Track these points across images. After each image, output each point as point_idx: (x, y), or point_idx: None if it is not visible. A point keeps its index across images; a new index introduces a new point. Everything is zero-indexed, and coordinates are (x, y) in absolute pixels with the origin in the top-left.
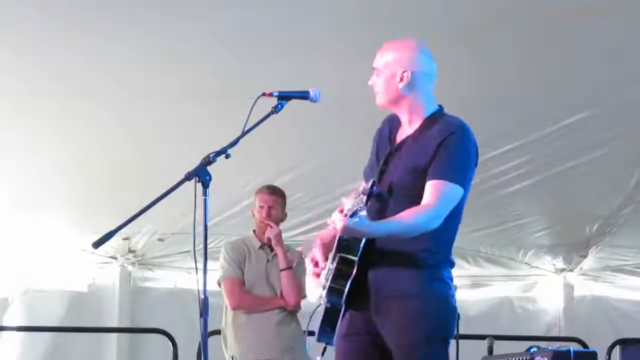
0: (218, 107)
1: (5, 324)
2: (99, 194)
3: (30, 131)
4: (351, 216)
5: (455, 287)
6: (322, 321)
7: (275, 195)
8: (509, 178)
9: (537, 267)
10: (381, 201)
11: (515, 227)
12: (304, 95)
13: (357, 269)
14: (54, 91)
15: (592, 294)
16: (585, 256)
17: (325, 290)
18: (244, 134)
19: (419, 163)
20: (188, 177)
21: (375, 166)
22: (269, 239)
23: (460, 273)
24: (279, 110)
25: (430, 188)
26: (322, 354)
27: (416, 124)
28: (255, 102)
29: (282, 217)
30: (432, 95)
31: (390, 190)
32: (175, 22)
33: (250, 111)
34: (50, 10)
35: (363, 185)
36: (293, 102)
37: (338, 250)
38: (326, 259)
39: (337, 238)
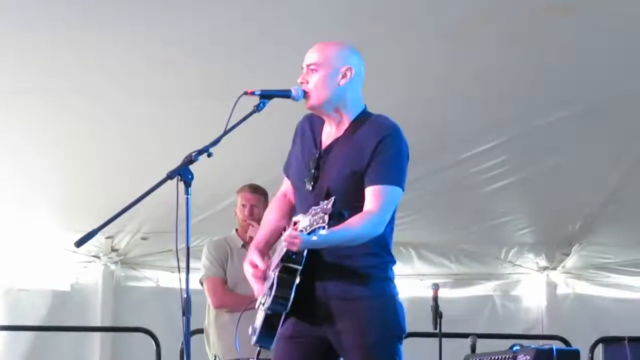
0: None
1: None
2: (84, 192)
3: (14, 128)
4: (309, 234)
5: (438, 286)
6: (262, 326)
7: (257, 193)
8: (491, 175)
9: (519, 266)
10: (343, 218)
11: (498, 225)
12: (285, 94)
13: (302, 277)
14: (46, 89)
15: (575, 292)
16: (568, 254)
17: (270, 299)
18: (226, 132)
19: (354, 167)
20: (170, 176)
21: (303, 170)
22: (252, 238)
23: (443, 271)
24: (261, 109)
25: (372, 194)
26: (257, 356)
27: (344, 125)
28: (237, 101)
29: None
30: (361, 96)
31: (327, 196)
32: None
33: (232, 110)
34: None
35: (322, 203)
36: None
37: (282, 259)
38: (263, 261)
39: (285, 251)
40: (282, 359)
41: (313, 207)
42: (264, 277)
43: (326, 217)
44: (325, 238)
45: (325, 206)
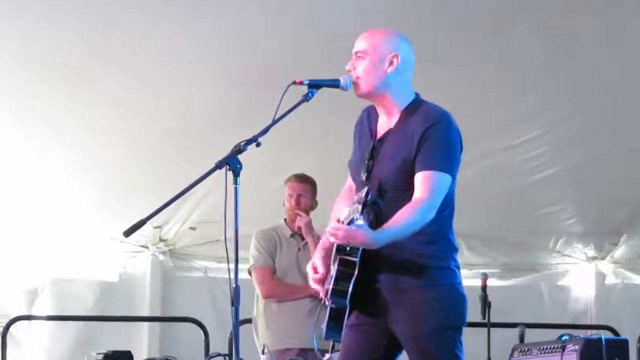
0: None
1: (34, 313)
2: (133, 181)
3: (60, 116)
4: (348, 224)
5: (486, 275)
6: (329, 319)
7: (304, 183)
8: (539, 164)
9: (568, 255)
10: (377, 207)
11: (546, 214)
12: (334, 84)
13: (359, 269)
14: (95, 74)
15: (624, 282)
16: (616, 244)
17: (329, 293)
18: (274, 122)
19: (405, 157)
20: (219, 166)
21: (360, 161)
22: (300, 228)
23: (492, 261)
24: (310, 99)
25: (420, 180)
26: (332, 350)
27: (396, 115)
28: (286, 90)
29: (313, 205)
30: (411, 84)
31: (380, 186)
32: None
33: (281, 99)
34: None
35: (358, 194)
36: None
37: (338, 252)
38: (326, 264)
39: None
40: (348, 345)
41: (353, 198)
42: (324, 280)
43: (360, 207)
44: (375, 239)
45: (359, 196)
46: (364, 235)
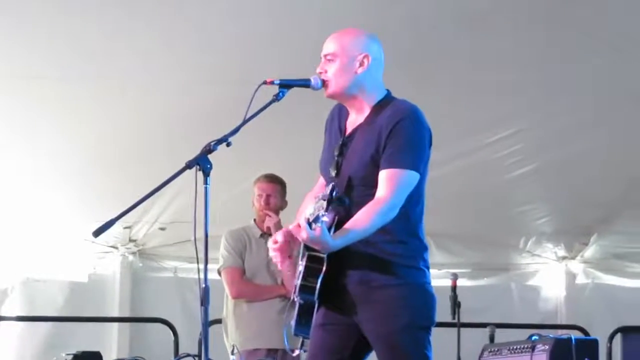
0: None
1: (4, 313)
2: (101, 182)
3: (33, 115)
4: (314, 221)
5: (456, 276)
6: (298, 315)
7: (273, 183)
8: (509, 163)
9: (538, 255)
10: (342, 203)
11: (517, 214)
12: (305, 83)
13: (327, 265)
14: (73, 74)
15: (594, 282)
16: (586, 244)
17: (297, 288)
18: (245, 122)
19: (373, 153)
20: (189, 166)
21: (329, 158)
22: (269, 228)
23: (462, 261)
24: (281, 99)
25: (384, 178)
26: (301, 346)
27: (366, 112)
28: (256, 90)
29: (282, 206)
30: (382, 82)
31: (349, 182)
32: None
33: (252, 99)
34: None
35: (325, 190)
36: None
37: (306, 248)
38: (285, 235)
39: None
40: (315, 345)
41: (318, 195)
42: (285, 251)
43: (324, 204)
44: (336, 244)
45: (325, 192)
46: (323, 244)
